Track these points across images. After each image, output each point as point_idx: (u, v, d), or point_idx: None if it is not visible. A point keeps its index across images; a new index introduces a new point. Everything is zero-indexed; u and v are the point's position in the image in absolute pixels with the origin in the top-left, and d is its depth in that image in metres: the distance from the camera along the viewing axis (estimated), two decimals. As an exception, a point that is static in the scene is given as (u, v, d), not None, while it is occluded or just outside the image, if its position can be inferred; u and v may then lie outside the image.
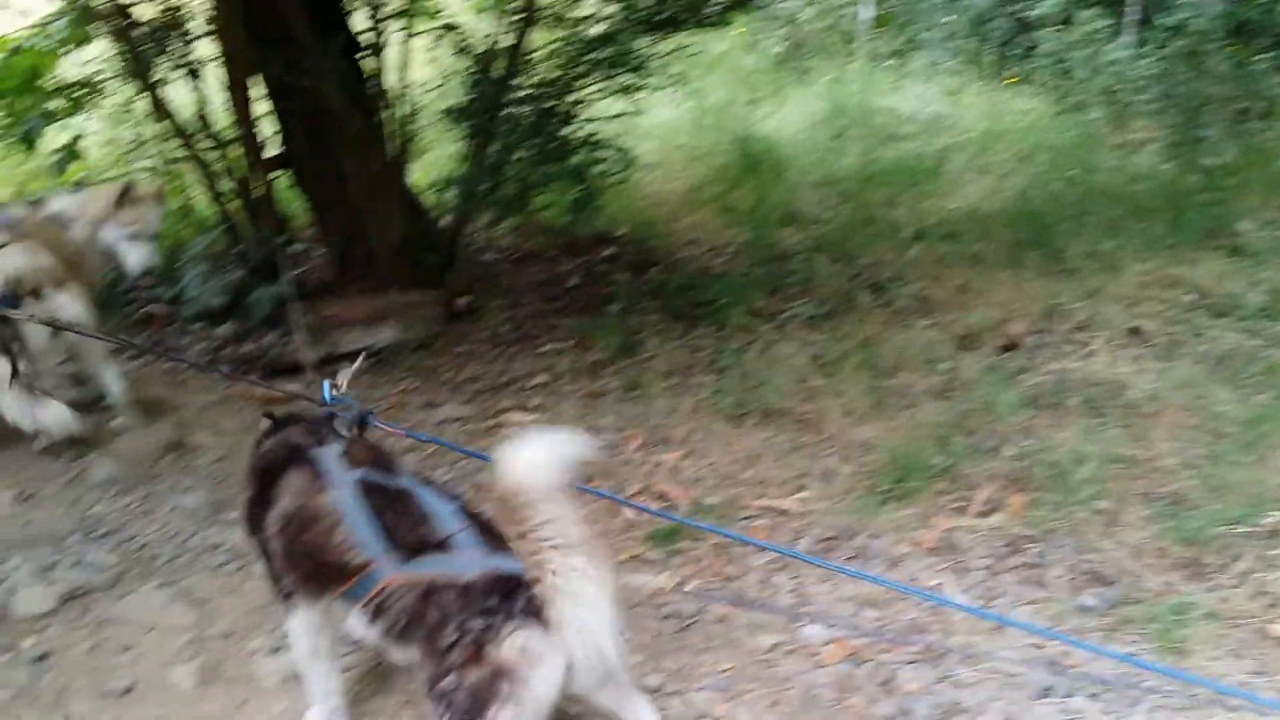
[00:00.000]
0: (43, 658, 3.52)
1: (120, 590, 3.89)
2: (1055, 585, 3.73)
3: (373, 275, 6.73)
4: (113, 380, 5.06)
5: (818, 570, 3.88)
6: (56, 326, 4.65)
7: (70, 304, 4.82)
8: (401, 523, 2.74)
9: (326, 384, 3.22)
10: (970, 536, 4.01)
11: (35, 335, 4.65)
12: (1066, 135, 8.92)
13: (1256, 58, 9.30)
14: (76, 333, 4.74)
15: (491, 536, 2.68)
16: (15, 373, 4.55)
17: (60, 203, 5.15)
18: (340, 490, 2.83)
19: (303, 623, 3.02)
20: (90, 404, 5.21)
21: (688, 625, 3.65)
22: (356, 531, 2.75)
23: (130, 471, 4.71)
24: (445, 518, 2.75)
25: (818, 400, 5.10)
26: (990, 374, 5.13)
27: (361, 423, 3.15)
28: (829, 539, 4.10)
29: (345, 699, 3.21)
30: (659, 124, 9.57)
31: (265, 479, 3.02)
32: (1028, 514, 4.09)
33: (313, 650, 3.07)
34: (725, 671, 3.41)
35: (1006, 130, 9.25)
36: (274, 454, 3.07)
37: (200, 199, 7.22)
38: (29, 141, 6.74)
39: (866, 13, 12.03)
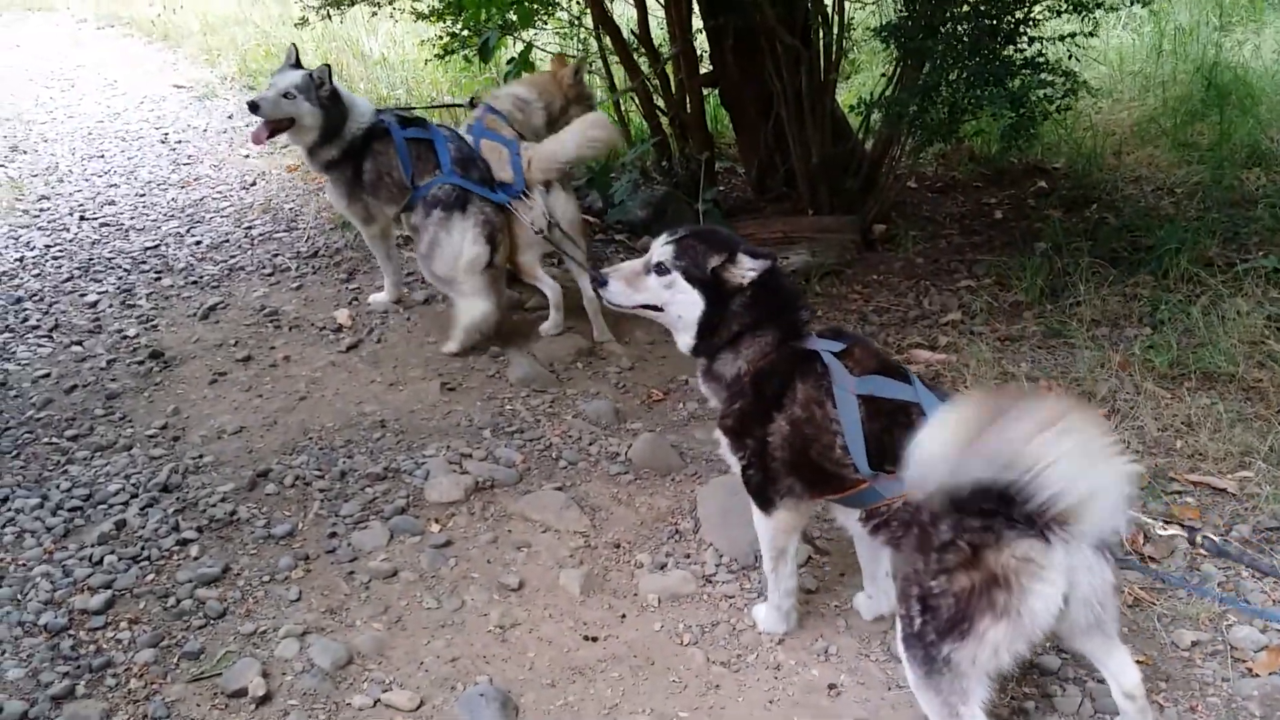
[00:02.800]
0: (446, 544, 3.68)
1: (523, 488, 4.02)
2: None
3: (791, 196, 6.63)
4: (549, 285, 5.24)
5: (1262, 560, 3.40)
6: (552, 224, 5.00)
7: (568, 202, 5.13)
8: (903, 437, 2.55)
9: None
10: None
11: (529, 228, 4.96)
12: None
13: None
14: (562, 233, 5.06)
15: None
16: (490, 263, 4.93)
17: (514, 90, 5.58)
18: (845, 402, 2.79)
19: (781, 522, 3.06)
20: (514, 306, 5.46)
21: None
22: (857, 446, 2.73)
23: (545, 374, 4.87)
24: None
25: (1273, 369, 4.48)
26: None
27: None
28: (1272, 529, 3.58)
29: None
30: (1112, 47, 8.77)
31: (768, 383, 2.98)
32: None
33: (782, 550, 3.12)
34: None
35: None
36: (779, 359, 2.99)
37: (635, 112, 7.32)
38: (485, 52, 7.04)
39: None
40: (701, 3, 6.40)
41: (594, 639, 3.26)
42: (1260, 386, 4.41)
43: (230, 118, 9.74)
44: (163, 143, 8.95)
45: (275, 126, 5.06)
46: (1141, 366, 4.63)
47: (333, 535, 3.71)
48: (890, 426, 2.73)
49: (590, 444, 4.32)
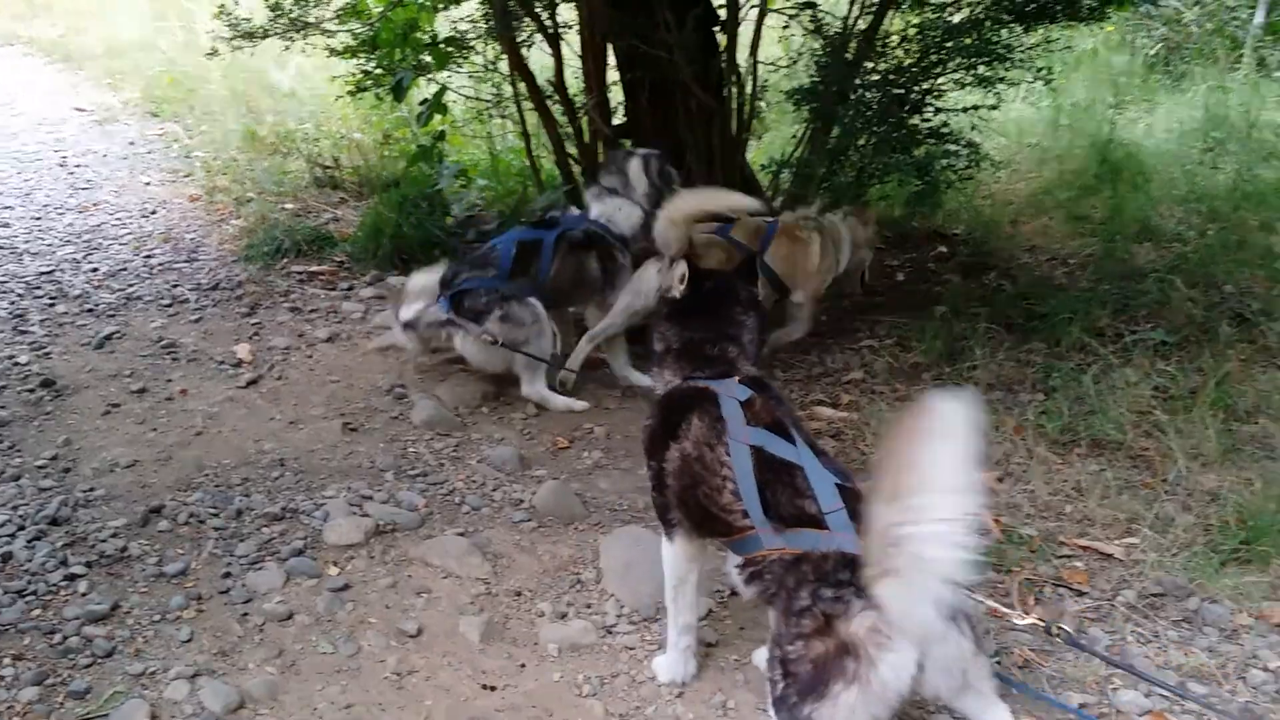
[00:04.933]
0: (344, 588, 3.63)
1: (425, 532, 3.98)
2: None
3: (699, 250, 6.69)
4: None
5: (1140, 628, 3.51)
6: None
7: None
8: (785, 494, 2.75)
9: None
10: (1329, 617, 3.51)
11: None
12: None
13: None
14: None
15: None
16: None
17: None
18: (738, 449, 2.86)
19: (679, 551, 3.14)
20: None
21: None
22: (745, 494, 2.80)
23: (450, 417, 4.83)
24: (827, 494, 2.70)
25: (1159, 438, 4.63)
26: (1369, 434, 4.50)
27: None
28: (1156, 595, 3.69)
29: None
30: (1011, 119, 9.05)
31: (672, 413, 3.10)
32: (1401, 602, 3.54)
33: (681, 579, 3.18)
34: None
35: None
36: (683, 392, 3.12)
37: (547, 160, 7.35)
38: (399, 92, 7.03)
39: (1259, 17, 10.94)
40: (618, 55, 6.47)
41: (492, 688, 3.23)
42: (1147, 455, 4.55)
43: (132, 143, 9.59)
44: (61, 166, 8.79)
45: None
46: (1034, 431, 4.75)
47: (227, 575, 3.63)
48: (774, 482, 2.80)
49: (494, 490, 4.30)
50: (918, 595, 2.33)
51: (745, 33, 6.20)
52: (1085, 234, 7.34)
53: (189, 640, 3.33)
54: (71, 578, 3.56)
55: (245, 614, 3.46)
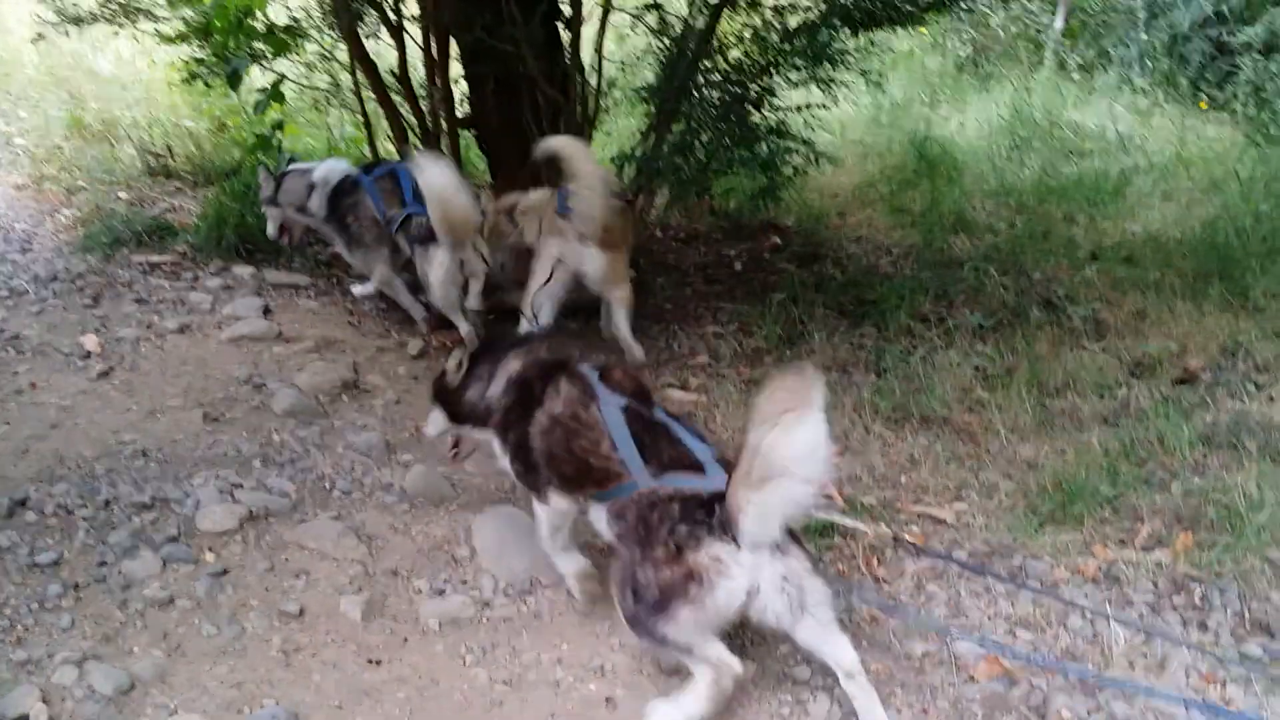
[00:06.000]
0: (223, 573, 3.68)
1: (298, 517, 4.06)
2: (1219, 630, 3.62)
3: (545, 240, 6.85)
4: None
5: (972, 583, 3.85)
6: None
7: None
8: (659, 444, 3.19)
9: None
10: (1132, 570, 3.91)
11: None
12: (1260, 168, 8.57)
13: None
14: None
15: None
16: None
17: None
18: (608, 408, 3.26)
19: (553, 510, 3.47)
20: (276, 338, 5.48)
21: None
22: (621, 445, 3.19)
23: (311, 405, 4.90)
24: (699, 446, 3.18)
25: (980, 413, 5.05)
26: (1164, 406, 4.98)
27: None
28: (985, 554, 4.05)
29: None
30: (835, 117, 9.48)
31: (529, 386, 3.49)
32: (1195, 554, 3.97)
33: (557, 528, 3.55)
34: (874, 673, 3.40)
35: (1196, 157, 8.96)
36: (540, 365, 3.51)
37: (388, 151, 7.39)
38: (234, 80, 6.97)
39: (1054, 23, 11.71)
40: (463, 48, 6.57)
41: (378, 662, 3.36)
42: (971, 429, 4.94)
43: (-50, 133, 9.18)
44: None
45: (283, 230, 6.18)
46: (870, 409, 5.10)
47: (102, 564, 3.64)
48: (650, 435, 3.24)
49: (363, 475, 4.40)
50: (770, 513, 2.83)
51: (590, 30, 6.38)
52: (906, 225, 7.81)
53: (70, 627, 3.35)
54: (-61, 571, 3.53)
55: (125, 600, 3.49)
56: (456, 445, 4.07)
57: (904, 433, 4.95)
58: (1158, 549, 4.05)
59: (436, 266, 5.36)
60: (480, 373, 3.72)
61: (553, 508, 3.48)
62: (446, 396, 3.84)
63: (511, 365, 3.64)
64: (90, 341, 5.27)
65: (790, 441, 2.72)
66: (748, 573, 2.89)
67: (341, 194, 5.80)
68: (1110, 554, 4.01)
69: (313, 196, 5.88)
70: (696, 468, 3.11)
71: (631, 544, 3.08)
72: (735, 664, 3.02)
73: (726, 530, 2.89)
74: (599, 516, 3.35)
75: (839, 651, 3.11)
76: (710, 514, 2.94)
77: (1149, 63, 10.96)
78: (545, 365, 3.55)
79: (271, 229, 6.18)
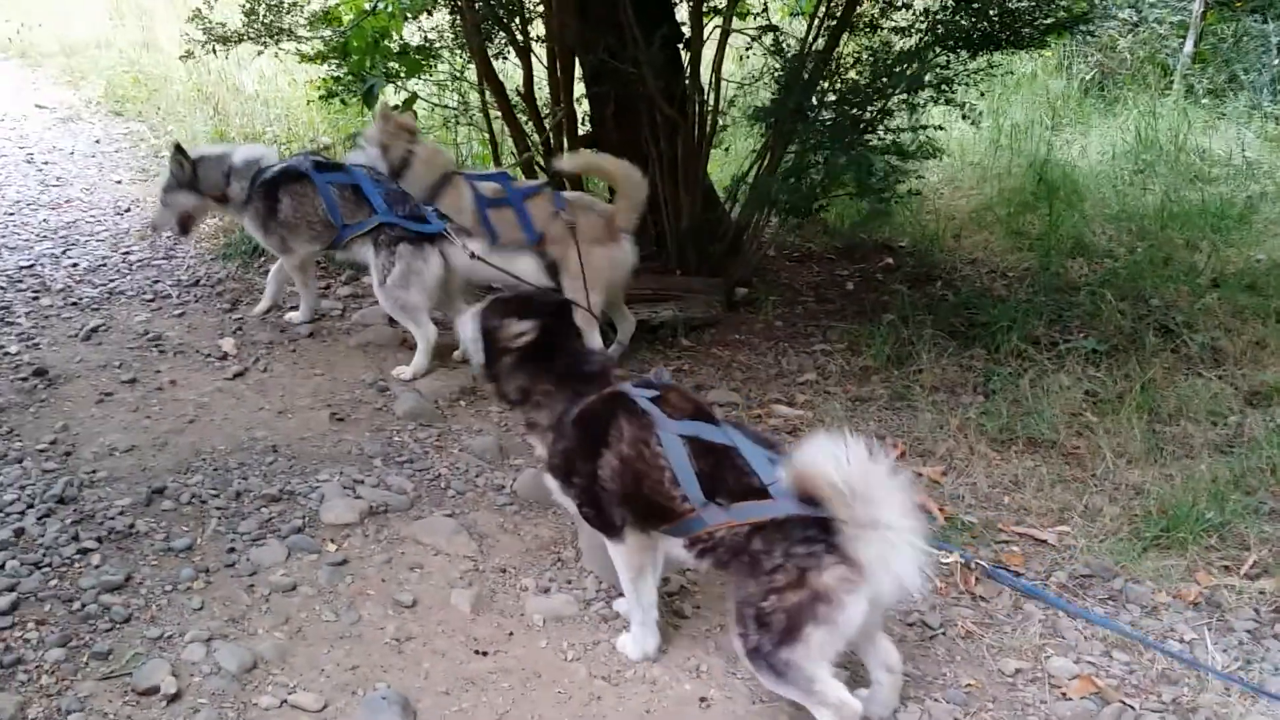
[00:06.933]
0: (343, 563, 3.89)
1: (414, 513, 4.25)
2: (1322, 660, 3.59)
3: (660, 257, 7.00)
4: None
5: (1076, 602, 3.87)
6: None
7: None
8: (723, 472, 3.12)
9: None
10: (1236, 597, 3.90)
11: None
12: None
13: None
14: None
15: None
16: None
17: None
18: (669, 439, 3.20)
19: (632, 547, 3.41)
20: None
21: (932, 636, 3.71)
22: (683, 480, 3.14)
23: (430, 409, 5.11)
24: (764, 468, 3.09)
25: (1089, 437, 5.03)
26: (1278, 435, 4.91)
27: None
28: (1085, 576, 4.07)
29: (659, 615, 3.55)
30: (954, 139, 9.47)
31: (591, 426, 3.35)
32: (1302, 584, 3.94)
33: (639, 571, 3.44)
34: (966, 687, 3.45)
35: (1327, 184, 8.72)
36: (596, 403, 3.38)
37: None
38: (369, 98, 7.28)
39: (1187, 47, 11.50)
40: (585, 69, 6.77)
41: (484, 653, 3.51)
42: (1078, 453, 4.93)
43: (98, 142, 9.74)
44: (28, 163, 8.93)
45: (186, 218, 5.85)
46: (975, 430, 5.11)
47: (231, 550, 3.88)
48: (715, 463, 3.17)
49: (477, 476, 4.58)
50: (893, 550, 2.82)
51: (709, 51, 6.52)
52: (1023, 249, 7.76)
53: (200, 608, 3.57)
54: (84, 551, 3.79)
55: (252, 585, 3.71)
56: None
57: (1009, 454, 4.96)
58: (1263, 578, 4.03)
59: (434, 266, 5.41)
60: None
61: (630, 548, 3.41)
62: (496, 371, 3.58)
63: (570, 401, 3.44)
64: (227, 344, 5.58)
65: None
66: (870, 589, 2.89)
67: (281, 184, 5.60)
68: (1213, 580, 4.00)
69: (231, 182, 5.69)
70: (763, 494, 3.05)
71: (741, 574, 3.05)
72: (856, 705, 3.00)
73: (843, 549, 2.88)
74: (680, 552, 3.31)
75: (887, 650, 3.22)
76: (822, 533, 2.91)
77: (1280, 87, 10.71)
78: (602, 401, 3.38)
79: (167, 218, 5.83)
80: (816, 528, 2.91)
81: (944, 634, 3.72)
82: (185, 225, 5.88)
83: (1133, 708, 3.36)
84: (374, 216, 5.42)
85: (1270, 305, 6.41)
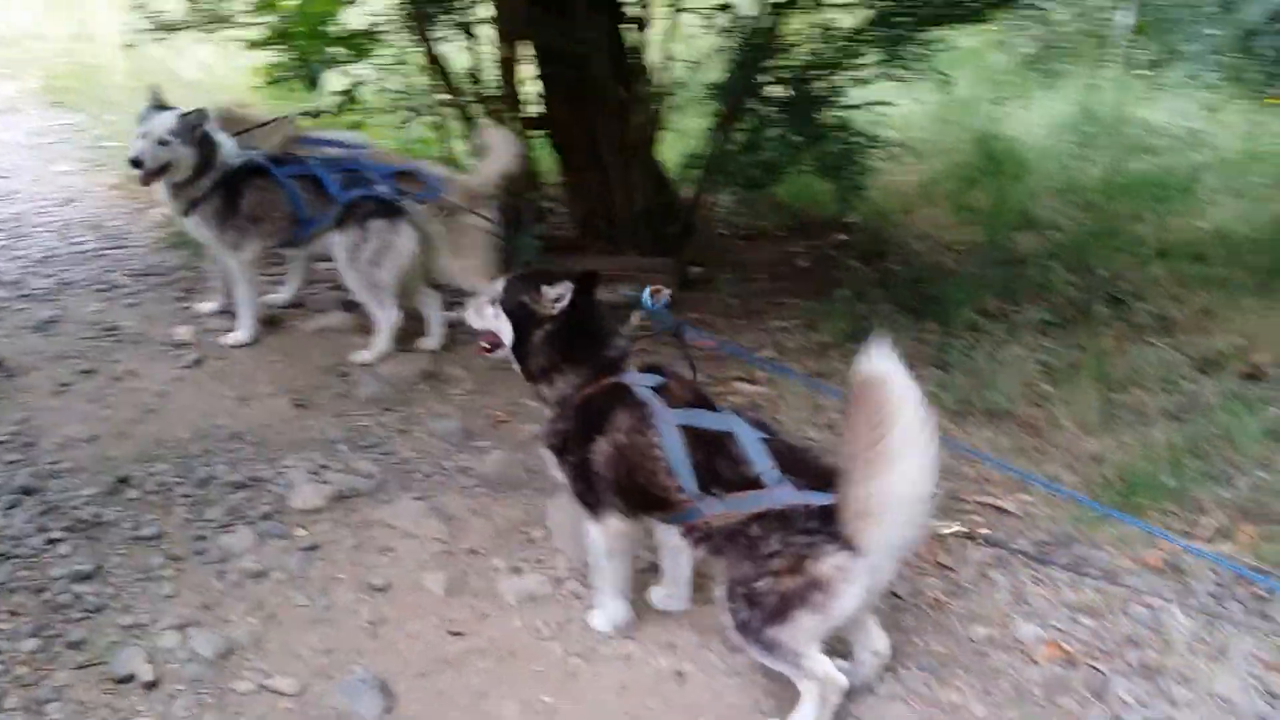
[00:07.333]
0: (313, 548, 3.91)
1: (382, 497, 4.27)
2: (1282, 620, 3.70)
3: (612, 238, 7.01)
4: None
5: (1034, 571, 3.95)
6: None
7: None
8: (724, 463, 3.13)
9: (648, 290, 3.60)
10: (1196, 561, 3.99)
11: None
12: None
13: None
14: None
15: (799, 471, 3.07)
16: None
17: None
18: (667, 431, 3.20)
19: (610, 529, 3.42)
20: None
21: (902, 607, 3.77)
22: (680, 472, 3.15)
23: (393, 393, 5.12)
24: (757, 456, 3.10)
25: (1045, 407, 5.12)
26: (1230, 401, 5.02)
27: (677, 333, 3.73)
28: (1046, 543, 4.15)
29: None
30: (899, 115, 9.53)
31: (590, 413, 3.35)
32: (1259, 547, 4.03)
33: (612, 553, 3.48)
34: (937, 654, 3.52)
35: (1267, 153, 8.91)
36: (599, 390, 3.36)
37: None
38: (312, 83, 7.21)
39: (1122, 19, 11.67)
40: (536, 51, 6.74)
41: (459, 634, 3.54)
42: (1035, 423, 5.02)
43: (38, 133, 9.58)
44: (-31, 156, 8.74)
45: (163, 169, 5.26)
46: (934, 403, 5.15)
47: (200, 538, 3.88)
48: (710, 454, 3.17)
49: (443, 459, 4.59)
50: (891, 537, 2.88)
51: (659, 31, 6.52)
52: (971, 223, 7.86)
53: (173, 596, 3.58)
54: (53, 541, 3.78)
55: (223, 572, 3.73)
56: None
57: (968, 426, 5.03)
58: (1222, 541, 4.13)
59: (408, 241, 5.38)
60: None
61: (608, 532, 3.42)
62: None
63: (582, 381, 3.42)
64: (184, 332, 5.53)
65: (900, 477, 2.81)
66: (870, 578, 2.94)
67: (241, 177, 5.39)
68: (1175, 545, 4.09)
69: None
70: (758, 485, 3.06)
71: (734, 557, 3.07)
72: (841, 679, 3.08)
73: (844, 539, 2.90)
74: (672, 538, 3.41)
75: (877, 635, 3.31)
76: (823, 523, 2.94)
77: (1218, 59, 10.89)
78: (605, 389, 3.37)
79: (157, 159, 5.24)
80: (816, 518, 2.95)
81: (913, 604, 3.78)
82: (157, 175, 5.39)
83: (1101, 671, 3.44)
84: (335, 205, 5.33)
85: (1216, 273, 6.56)
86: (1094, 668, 3.47)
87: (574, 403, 3.39)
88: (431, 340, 5.63)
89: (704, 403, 3.35)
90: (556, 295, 3.34)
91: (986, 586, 3.90)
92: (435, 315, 5.67)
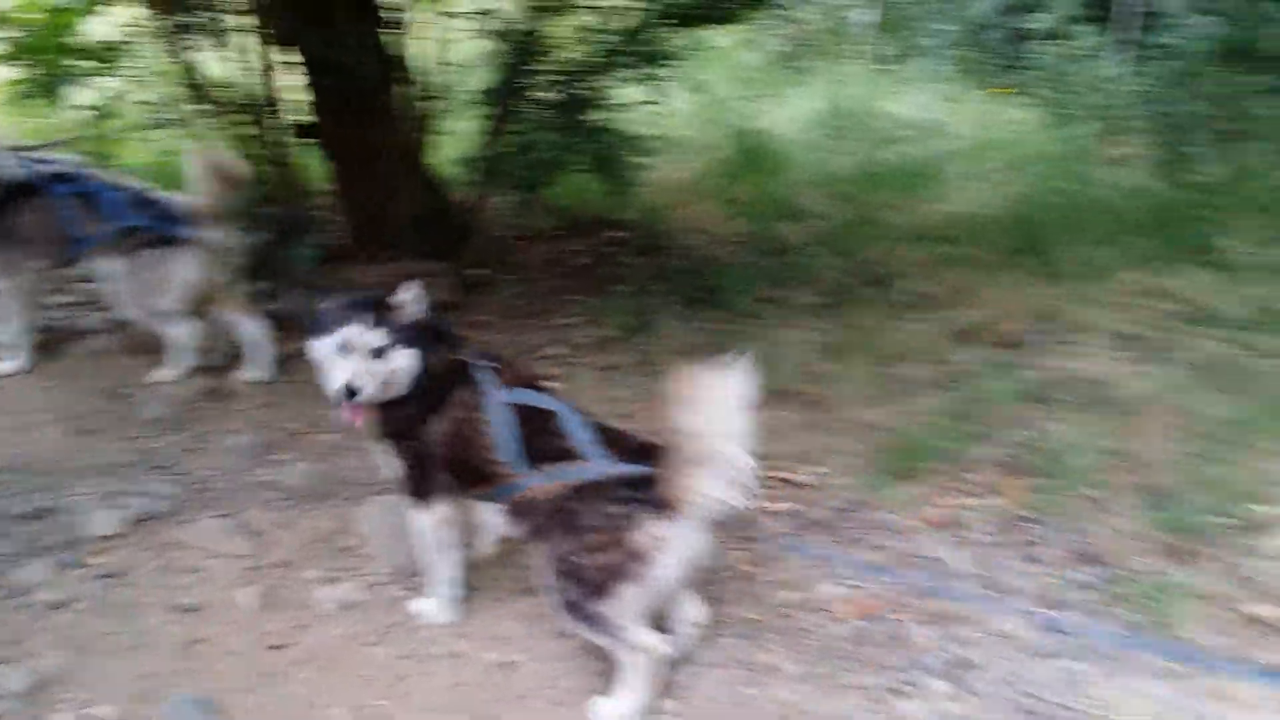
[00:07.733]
0: (114, 575, 3.78)
1: (182, 518, 4.15)
2: (1051, 561, 4.03)
3: (390, 245, 6.94)
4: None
5: (836, 536, 4.20)
6: None
7: None
8: (546, 438, 3.22)
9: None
10: (972, 515, 4.31)
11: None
12: (1058, 147, 9.24)
13: (1243, 79, 9.57)
14: None
15: (618, 448, 3.18)
16: None
17: None
18: (496, 407, 3.29)
19: (435, 517, 3.49)
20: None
21: (714, 580, 3.90)
22: (503, 445, 3.22)
23: (180, 413, 4.96)
24: (578, 431, 3.21)
25: (826, 384, 5.38)
26: (988, 368, 5.42)
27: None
28: (843, 510, 4.39)
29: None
30: (663, 114, 9.77)
31: (430, 391, 3.38)
32: (1025, 497, 4.38)
33: (442, 543, 3.54)
34: (748, 622, 3.68)
35: (1001, 140, 9.57)
36: (438, 370, 3.39)
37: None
38: (53, 98, 6.90)
39: (865, 16, 12.30)
40: (305, 59, 6.61)
41: (279, 647, 3.51)
42: (818, 399, 5.26)
43: None
44: None
45: None
46: (721, 387, 5.36)
47: (-4, 574, 3.69)
48: (535, 430, 3.27)
49: (242, 475, 4.51)
50: (708, 492, 2.98)
51: (424, 37, 6.52)
52: (739, 215, 8.14)
53: (-28, 633, 3.41)
54: None
55: (24, 605, 3.59)
56: None
57: (758, 406, 5.22)
58: (993, 496, 4.46)
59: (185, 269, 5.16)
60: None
61: (436, 519, 3.51)
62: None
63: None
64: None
65: (716, 425, 3.01)
66: (685, 546, 3.06)
67: (12, 195, 5.09)
68: (952, 502, 4.40)
69: None
70: (580, 457, 3.17)
71: (556, 534, 3.15)
72: (664, 647, 3.20)
73: (661, 507, 3.00)
74: (497, 518, 3.48)
75: (695, 606, 3.48)
76: (638, 493, 3.04)
77: (954, 52, 11.63)
78: (444, 369, 3.42)
79: None
80: (632, 486, 3.05)
81: (724, 576, 3.93)
82: None
83: (899, 621, 3.69)
84: (110, 225, 5.06)
85: (966, 253, 7.02)
86: (892, 618, 3.71)
87: (414, 382, 3.39)
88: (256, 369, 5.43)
89: (534, 384, 3.45)
90: (412, 297, 3.40)
91: (789, 554, 4.10)
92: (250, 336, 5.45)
